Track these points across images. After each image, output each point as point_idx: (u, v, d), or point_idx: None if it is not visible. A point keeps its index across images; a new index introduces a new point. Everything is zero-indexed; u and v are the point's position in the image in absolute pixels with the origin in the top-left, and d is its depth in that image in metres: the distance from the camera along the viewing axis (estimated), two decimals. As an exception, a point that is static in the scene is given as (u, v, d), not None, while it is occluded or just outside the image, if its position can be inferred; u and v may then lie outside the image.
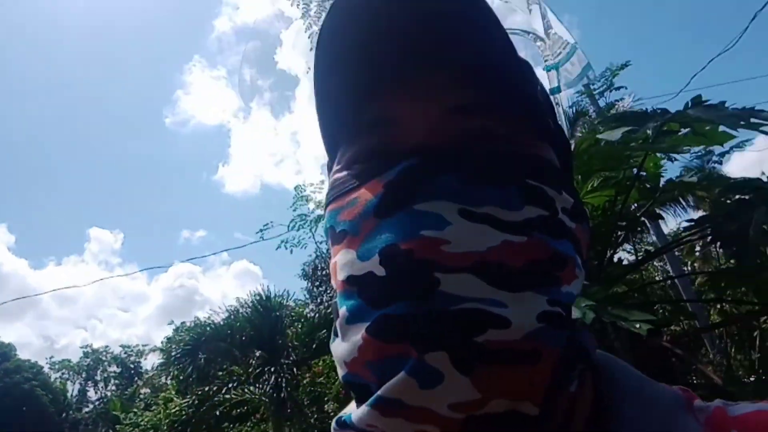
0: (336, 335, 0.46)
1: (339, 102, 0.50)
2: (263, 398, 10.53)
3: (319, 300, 15.49)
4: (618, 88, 10.21)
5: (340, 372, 0.45)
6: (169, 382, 16.46)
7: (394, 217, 0.42)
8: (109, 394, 37.98)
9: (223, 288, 76.36)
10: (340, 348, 0.44)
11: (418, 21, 0.46)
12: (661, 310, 4.20)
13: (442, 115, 0.46)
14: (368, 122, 0.49)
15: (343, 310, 0.44)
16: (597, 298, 1.78)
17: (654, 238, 9.30)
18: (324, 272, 15.25)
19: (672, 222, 11.66)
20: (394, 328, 0.39)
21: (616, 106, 9.68)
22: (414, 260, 0.40)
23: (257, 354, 11.25)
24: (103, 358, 40.77)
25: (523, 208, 0.44)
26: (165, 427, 12.29)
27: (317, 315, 12.11)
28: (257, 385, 10.79)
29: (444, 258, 0.40)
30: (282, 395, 10.30)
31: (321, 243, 14.54)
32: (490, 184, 0.43)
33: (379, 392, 0.39)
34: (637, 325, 1.66)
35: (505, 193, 0.44)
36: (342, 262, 0.46)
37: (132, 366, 39.84)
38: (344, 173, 0.50)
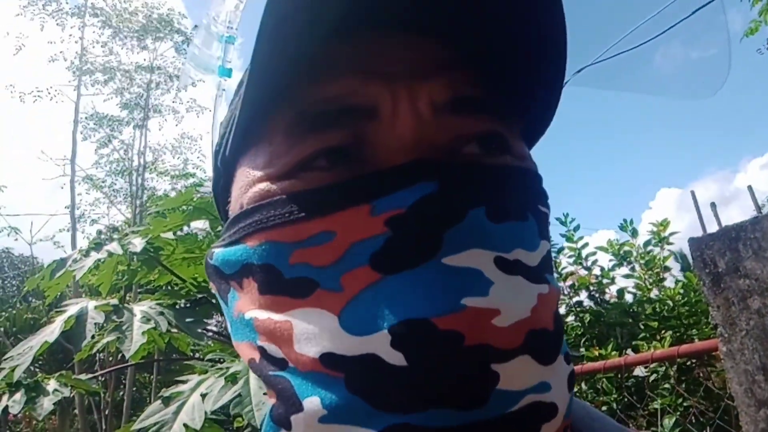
0: None
1: (272, 66, 0.32)
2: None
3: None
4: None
5: None
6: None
7: (412, 275, 0.29)
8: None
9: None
10: None
11: None
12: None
13: (433, 111, 0.33)
14: (331, 109, 0.33)
15: (314, 403, 0.30)
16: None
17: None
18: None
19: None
20: None
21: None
22: (466, 348, 0.28)
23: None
24: None
25: (540, 245, 0.34)
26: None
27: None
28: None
29: (499, 339, 0.29)
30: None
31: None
32: (515, 218, 0.32)
33: None
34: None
35: (527, 227, 0.33)
36: (308, 328, 0.31)
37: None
38: (287, 183, 0.33)
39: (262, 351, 0.33)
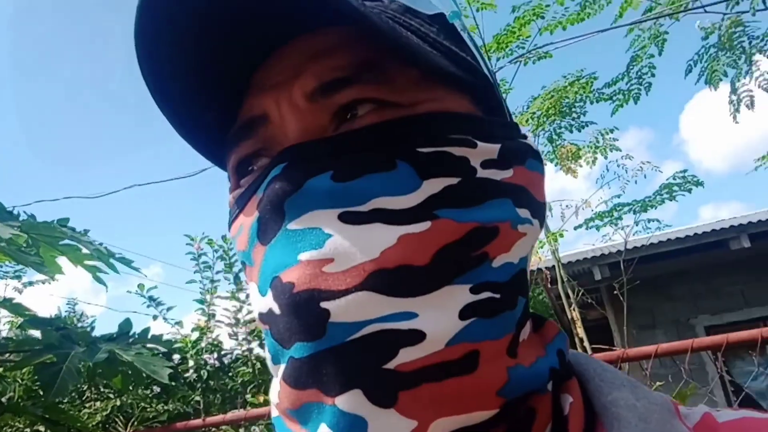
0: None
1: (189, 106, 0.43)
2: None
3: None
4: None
5: (272, 414, 0.40)
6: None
7: (273, 242, 0.36)
8: None
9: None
10: (271, 390, 0.39)
11: None
12: None
13: (306, 102, 0.39)
14: (239, 126, 0.42)
15: (267, 351, 0.40)
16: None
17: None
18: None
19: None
20: (302, 372, 0.34)
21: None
22: (296, 294, 0.34)
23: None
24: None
25: (420, 185, 0.36)
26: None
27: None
28: None
29: (329, 282, 0.34)
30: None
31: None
32: (371, 171, 0.36)
33: None
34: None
35: (394, 175, 0.36)
36: (252, 297, 0.40)
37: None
38: (231, 194, 0.44)
39: None
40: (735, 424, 0.40)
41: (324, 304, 0.33)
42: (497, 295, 0.37)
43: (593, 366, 0.44)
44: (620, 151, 4.73)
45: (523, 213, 0.40)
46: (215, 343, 3.69)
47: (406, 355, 0.33)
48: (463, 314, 0.35)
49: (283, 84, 0.39)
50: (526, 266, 0.41)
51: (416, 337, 0.34)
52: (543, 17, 4.10)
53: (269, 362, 0.39)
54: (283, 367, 0.36)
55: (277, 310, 0.35)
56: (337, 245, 0.34)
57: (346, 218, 0.35)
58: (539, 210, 0.42)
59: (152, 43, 0.39)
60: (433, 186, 0.36)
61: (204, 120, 0.44)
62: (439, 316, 0.34)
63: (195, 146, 0.47)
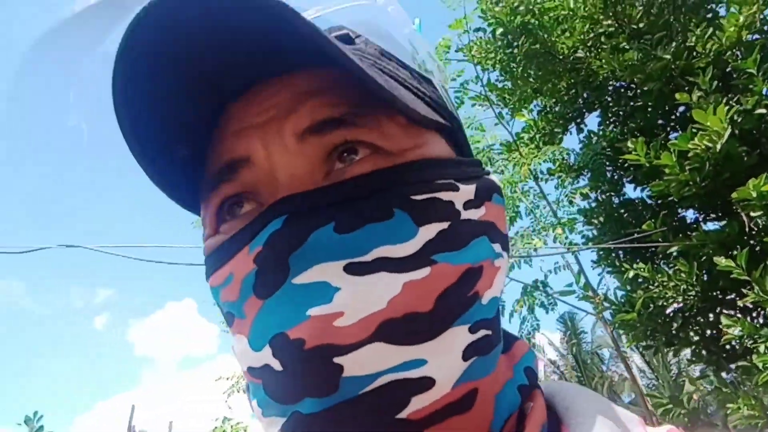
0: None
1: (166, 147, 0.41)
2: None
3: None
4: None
5: None
6: None
7: (274, 297, 0.35)
8: None
9: None
10: None
11: (230, 19, 0.36)
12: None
13: (297, 142, 0.38)
14: (217, 167, 0.40)
15: (255, 404, 0.39)
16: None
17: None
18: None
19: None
20: (312, 427, 0.34)
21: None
22: (307, 351, 0.34)
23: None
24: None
25: (417, 232, 0.37)
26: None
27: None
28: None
29: (341, 336, 0.34)
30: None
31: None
32: (371, 221, 0.36)
33: None
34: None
35: (392, 224, 0.37)
36: (238, 349, 0.39)
37: None
38: (212, 240, 0.42)
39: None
40: None
41: (337, 360, 0.33)
42: (490, 332, 0.39)
43: (560, 386, 0.46)
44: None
45: (497, 248, 0.42)
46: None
47: (418, 403, 0.34)
48: (466, 355, 0.36)
49: (271, 123, 0.39)
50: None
51: (426, 384, 0.35)
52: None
53: (258, 416, 0.39)
54: (281, 421, 0.36)
55: (278, 366, 0.35)
56: (346, 298, 0.34)
57: (351, 269, 0.35)
58: (506, 242, 0.44)
59: (129, 80, 0.37)
60: (428, 232, 0.37)
61: (174, 156, 0.42)
62: (445, 360, 0.36)
63: (162, 185, 0.44)
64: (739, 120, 3.05)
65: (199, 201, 0.44)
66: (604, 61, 3.80)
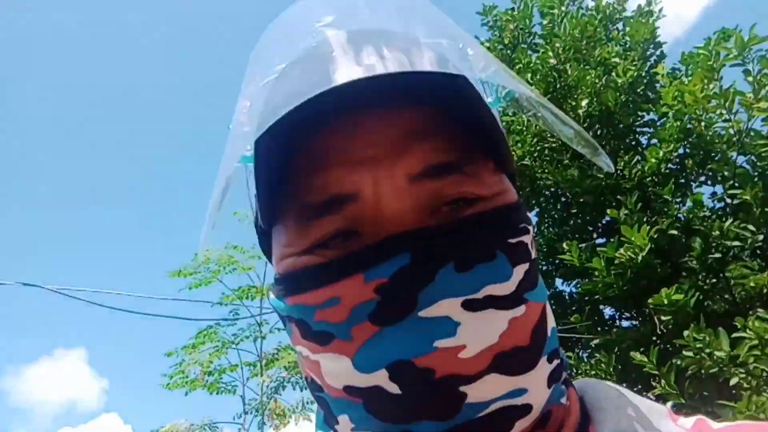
0: None
1: (272, 168, 0.42)
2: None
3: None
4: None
5: None
6: None
7: (397, 326, 0.38)
8: None
9: None
10: None
11: None
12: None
13: (410, 183, 0.40)
14: (321, 200, 0.41)
15: (345, 419, 0.42)
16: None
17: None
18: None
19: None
20: None
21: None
22: (436, 380, 0.38)
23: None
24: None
25: (513, 273, 0.40)
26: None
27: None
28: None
29: (465, 367, 0.38)
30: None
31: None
32: (481, 261, 0.40)
33: None
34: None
35: (495, 265, 0.40)
36: (331, 367, 0.41)
37: None
38: (305, 259, 0.42)
39: (309, 376, 0.45)
40: (731, 429, 0.45)
41: (462, 388, 0.38)
42: (560, 360, 0.44)
43: (588, 381, 0.51)
44: None
45: (541, 282, 0.45)
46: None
47: (519, 426, 0.39)
48: (549, 382, 0.42)
49: (382, 160, 0.40)
50: None
51: (527, 410, 0.40)
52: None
53: (344, 430, 0.43)
54: None
55: (393, 389, 0.38)
56: (468, 332, 0.38)
57: (467, 306, 0.38)
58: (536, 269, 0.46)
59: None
60: (519, 272, 0.41)
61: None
62: (538, 388, 0.41)
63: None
64: (656, 237, 3.68)
65: (266, 206, 0.45)
66: (548, 173, 4.43)
